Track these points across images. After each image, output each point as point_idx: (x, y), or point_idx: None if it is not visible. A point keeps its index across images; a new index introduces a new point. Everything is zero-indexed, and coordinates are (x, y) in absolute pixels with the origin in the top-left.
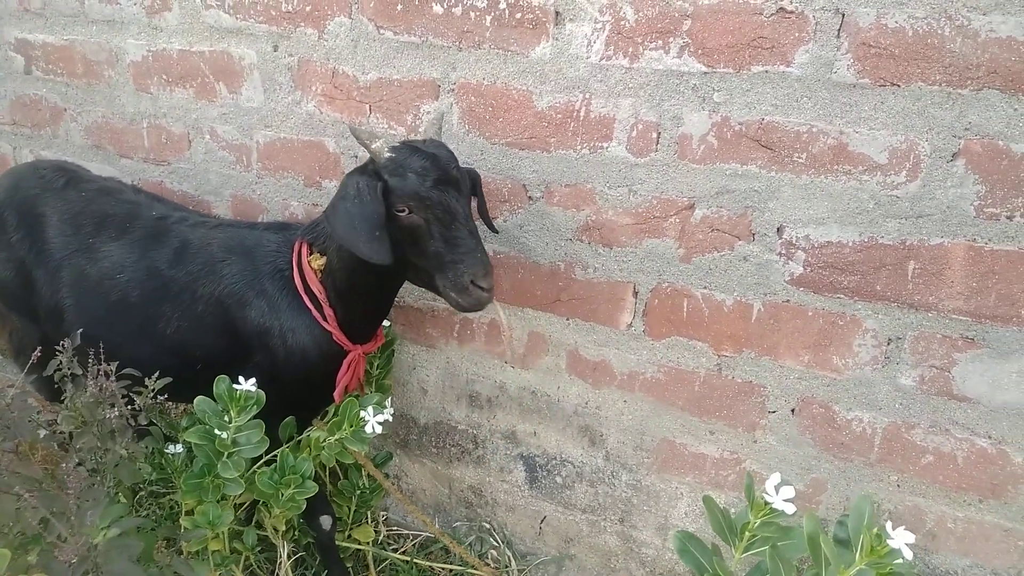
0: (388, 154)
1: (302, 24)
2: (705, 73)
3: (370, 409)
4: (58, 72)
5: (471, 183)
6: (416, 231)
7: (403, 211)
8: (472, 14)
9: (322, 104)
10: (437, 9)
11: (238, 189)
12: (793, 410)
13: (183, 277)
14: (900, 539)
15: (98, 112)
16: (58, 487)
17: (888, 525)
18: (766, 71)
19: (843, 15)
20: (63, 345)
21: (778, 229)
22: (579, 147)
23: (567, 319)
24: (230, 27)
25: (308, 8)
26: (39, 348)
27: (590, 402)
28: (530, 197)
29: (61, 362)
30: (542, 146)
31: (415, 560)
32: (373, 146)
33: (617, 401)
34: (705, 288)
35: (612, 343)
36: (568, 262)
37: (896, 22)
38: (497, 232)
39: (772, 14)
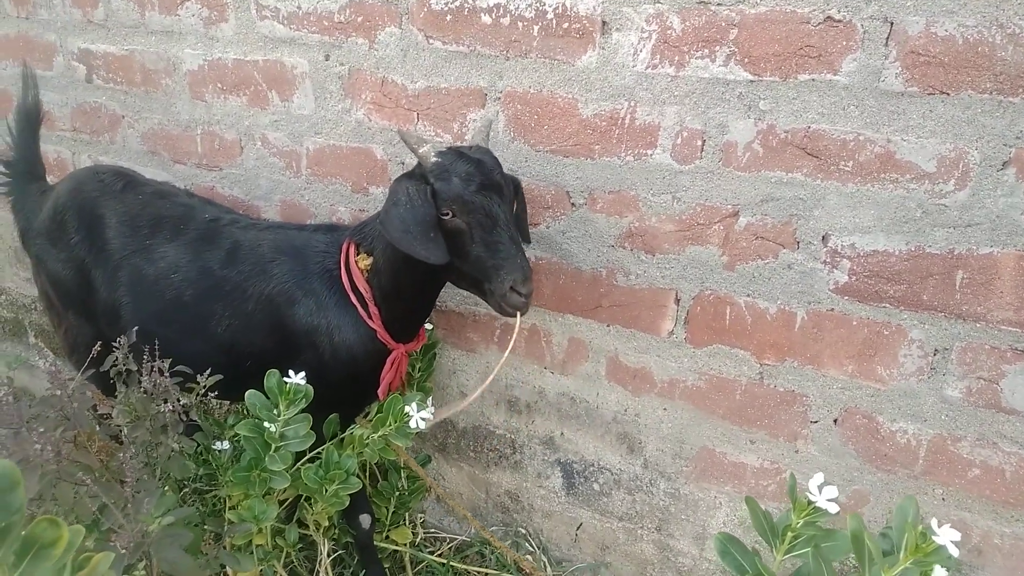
0: (434, 159)
1: (353, 34)
2: (751, 81)
3: (414, 405)
4: (118, 80)
5: (513, 189)
6: (459, 235)
7: (447, 215)
8: (520, 24)
9: (371, 112)
10: (485, 19)
11: (287, 194)
12: (836, 420)
13: (234, 277)
14: (946, 536)
15: (154, 119)
16: (113, 477)
17: (934, 522)
18: (813, 79)
19: (891, 23)
20: (119, 342)
21: (823, 237)
22: (623, 154)
23: (607, 325)
24: (283, 37)
25: (360, 19)
26: (97, 345)
27: (629, 409)
28: (573, 204)
29: (117, 358)
30: (586, 153)
31: (451, 563)
32: (421, 150)
33: (657, 409)
34: (748, 296)
35: (653, 350)
36: (610, 268)
37: (946, 30)
38: (529, 242)
39: (820, 23)
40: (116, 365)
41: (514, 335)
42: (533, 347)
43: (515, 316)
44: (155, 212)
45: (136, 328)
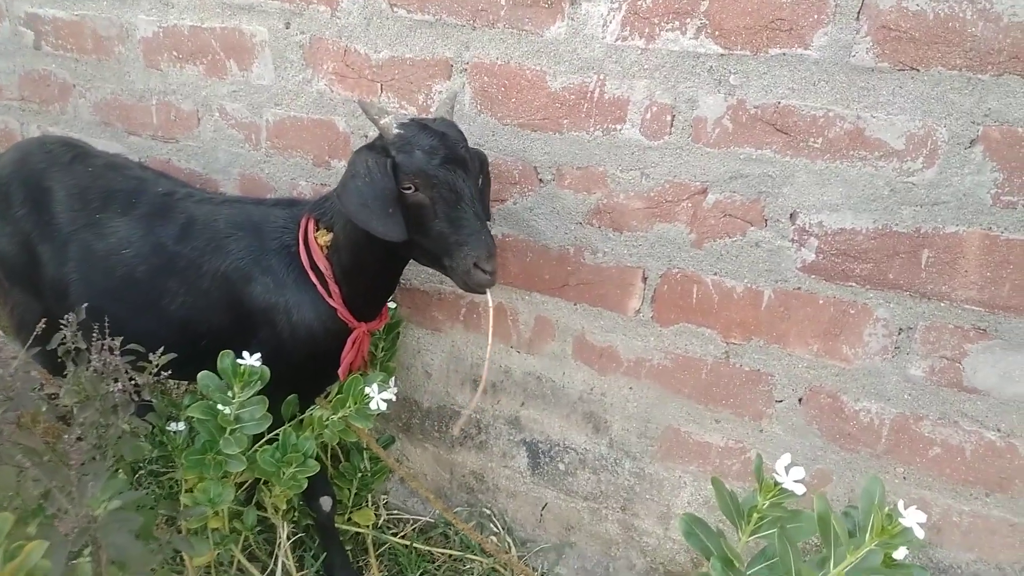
0: (397, 131)
1: (315, 1)
2: (722, 55)
3: (375, 386)
4: (68, 48)
5: (479, 164)
6: (421, 210)
7: (409, 189)
8: None
9: (333, 83)
10: None
11: (246, 168)
12: (800, 399)
13: (189, 253)
14: (912, 519)
15: (107, 88)
16: (59, 460)
17: (900, 504)
18: (784, 54)
19: None
20: (67, 319)
21: (791, 215)
22: (592, 129)
23: (575, 304)
24: (242, 3)
25: None
26: (42, 323)
27: (595, 388)
28: (541, 180)
29: (65, 336)
30: (554, 127)
31: (415, 545)
32: (382, 122)
33: (623, 388)
34: (715, 274)
35: (619, 329)
36: (577, 246)
37: (917, 5)
38: (490, 219)
39: None
40: (64, 343)
41: (490, 320)
42: (499, 326)
43: (482, 293)
44: (106, 185)
45: (86, 305)
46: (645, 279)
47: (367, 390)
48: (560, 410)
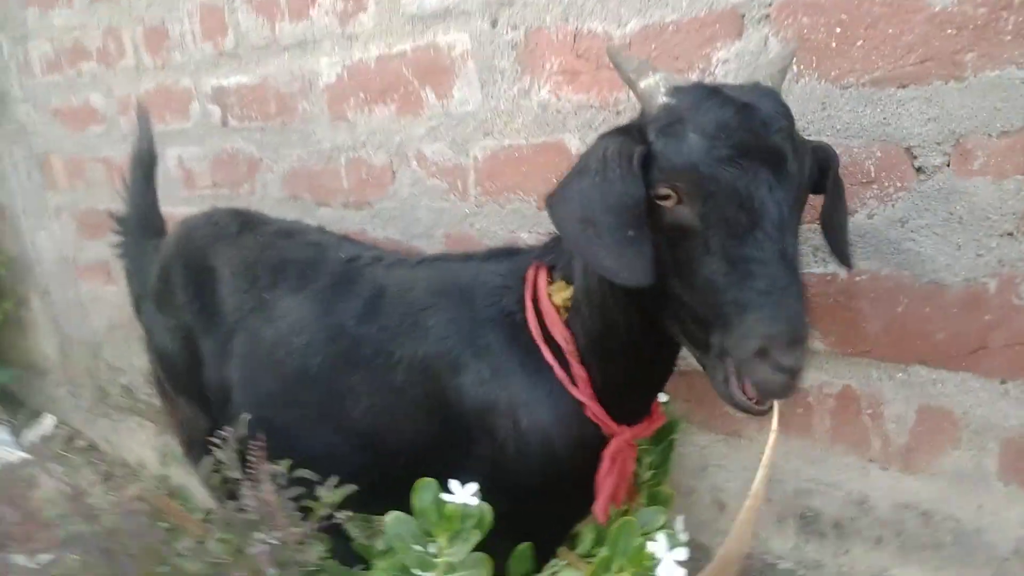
0: (665, 99)
1: None
2: None
3: (661, 539)
4: (252, 116)
5: (816, 169)
6: (684, 237)
7: (667, 197)
8: None
9: (560, 86)
10: None
11: (452, 225)
12: None
13: (376, 335)
14: None
15: (293, 155)
16: None
17: None
18: None
19: None
20: (222, 437)
21: None
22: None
23: (1001, 383)
24: (435, 10)
25: None
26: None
27: None
28: (920, 169)
29: (221, 461)
30: (947, 72)
31: None
32: (643, 84)
33: None
34: None
35: None
36: (1005, 278)
37: None
38: (851, 267)
39: None
40: (219, 470)
41: (772, 433)
42: (846, 425)
43: (760, 413)
44: (277, 256)
45: (247, 416)
46: None
47: (651, 547)
48: (975, 572)
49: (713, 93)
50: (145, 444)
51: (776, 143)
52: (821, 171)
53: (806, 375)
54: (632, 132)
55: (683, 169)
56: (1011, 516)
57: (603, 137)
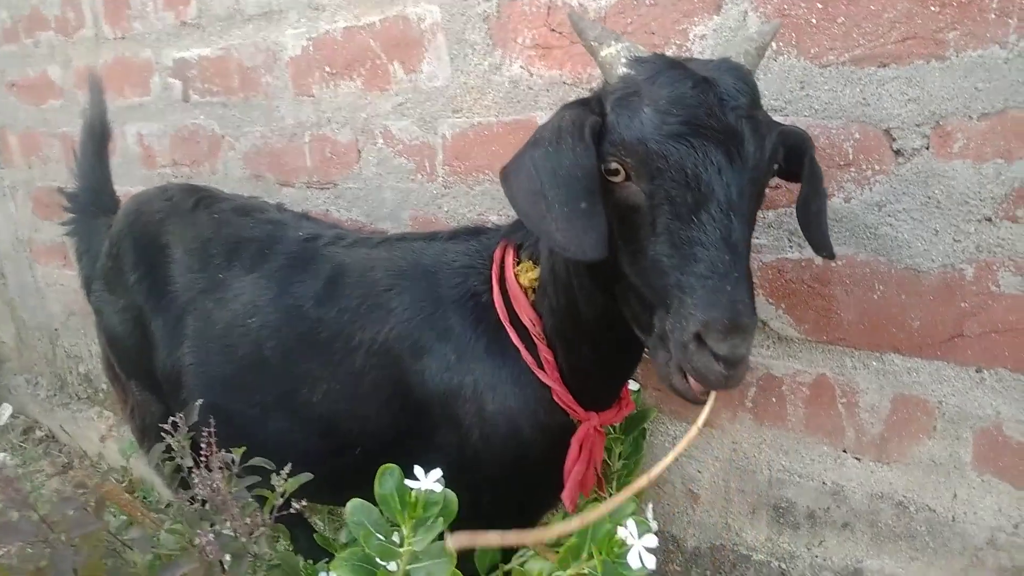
0: (624, 69)
1: None
2: None
3: (632, 525)
4: (215, 91)
5: (787, 154)
6: (632, 215)
7: (616, 172)
8: None
9: (532, 61)
10: None
11: (420, 207)
12: None
13: (335, 317)
14: None
15: (256, 133)
16: None
17: None
18: None
19: None
20: (173, 423)
21: None
22: (1013, 35)
23: (977, 370)
24: None
25: None
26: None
27: None
28: (898, 151)
29: (173, 448)
30: (929, 50)
31: None
32: (603, 52)
33: None
34: None
35: None
36: (983, 263)
37: None
38: (832, 257)
39: None
40: (172, 458)
41: (694, 426)
42: (820, 414)
43: (696, 401)
44: (233, 234)
45: (200, 402)
46: None
47: (621, 532)
48: (948, 562)
49: (672, 66)
50: (105, 435)
51: (731, 122)
52: (795, 157)
53: (749, 366)
54: (592, 104)
55: (632, 144)
56: (985, 505)
57: (563, 108)
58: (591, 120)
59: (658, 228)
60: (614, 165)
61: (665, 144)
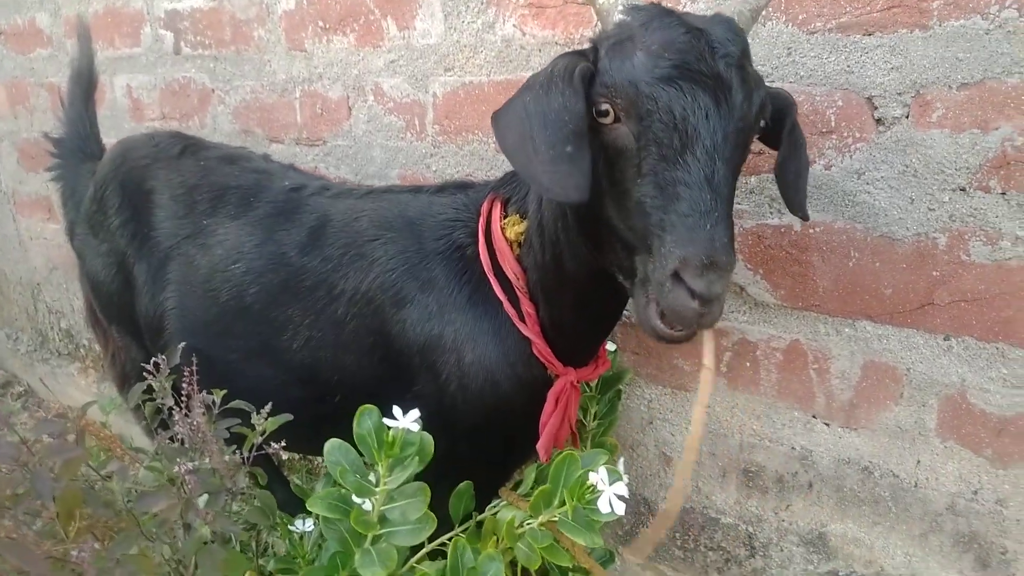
0: (620, 16)
1: None
2: None
3: (603, 471)
4: (206, 44)
5: (767, 111)
6: (620, 157)
7: (606, 114)
8: None
9: (525, 20)
10: None
11: (408, 166)
12: None
13: (318, 266)
14: None
15: (246, 87)
16: None
17: None
18: None
19: None
20: (155, 365)
21: None
22: (993, 6)
23: (945, 339)
24: None
25: None
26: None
27: (983, 491)
28: (880, 120)
29: (154, 389)
30: (913, 18)
31: None
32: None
33: None
34: None
35: None
36: (955, 232)
37: None
38: (806, 218)
39: None
40: (152, 399)
41: (704, 369)
42: (792, 380)
43: (671, 341)
44: (219, 182)
45: (182, 345)
46: None
47: (592, 478)
48: (909, 526)
49: (667, 13)
50: (86, 391)
51: (720, 69)
52: (777, 118)
53: (724, 308)
54: (587, 52)
55: (622, 85)
56: (947, 471)
57: (558, 56)
58: (582, 66)
59: (644, 169)
60: (605, 106)
61: (655, 86)
